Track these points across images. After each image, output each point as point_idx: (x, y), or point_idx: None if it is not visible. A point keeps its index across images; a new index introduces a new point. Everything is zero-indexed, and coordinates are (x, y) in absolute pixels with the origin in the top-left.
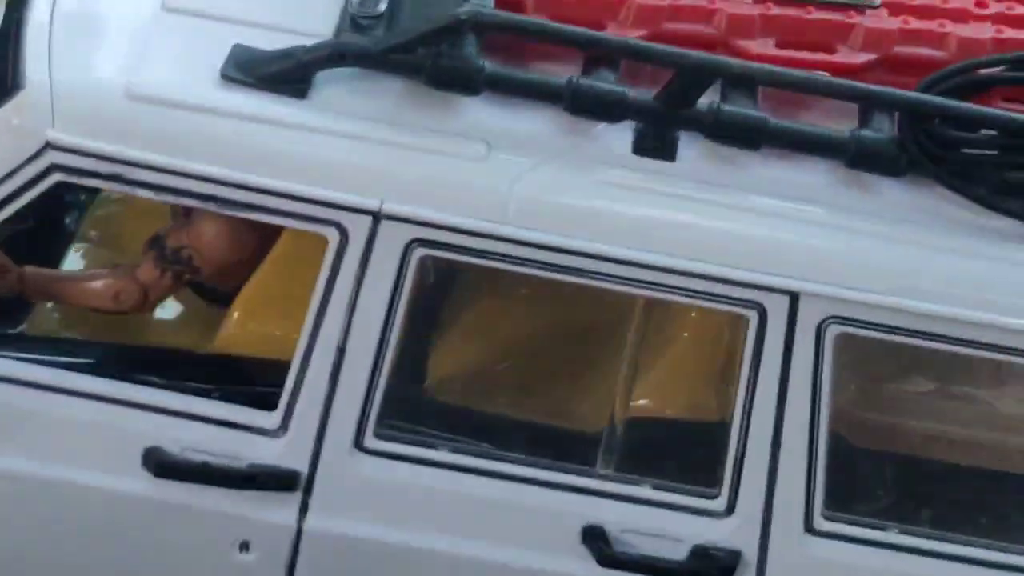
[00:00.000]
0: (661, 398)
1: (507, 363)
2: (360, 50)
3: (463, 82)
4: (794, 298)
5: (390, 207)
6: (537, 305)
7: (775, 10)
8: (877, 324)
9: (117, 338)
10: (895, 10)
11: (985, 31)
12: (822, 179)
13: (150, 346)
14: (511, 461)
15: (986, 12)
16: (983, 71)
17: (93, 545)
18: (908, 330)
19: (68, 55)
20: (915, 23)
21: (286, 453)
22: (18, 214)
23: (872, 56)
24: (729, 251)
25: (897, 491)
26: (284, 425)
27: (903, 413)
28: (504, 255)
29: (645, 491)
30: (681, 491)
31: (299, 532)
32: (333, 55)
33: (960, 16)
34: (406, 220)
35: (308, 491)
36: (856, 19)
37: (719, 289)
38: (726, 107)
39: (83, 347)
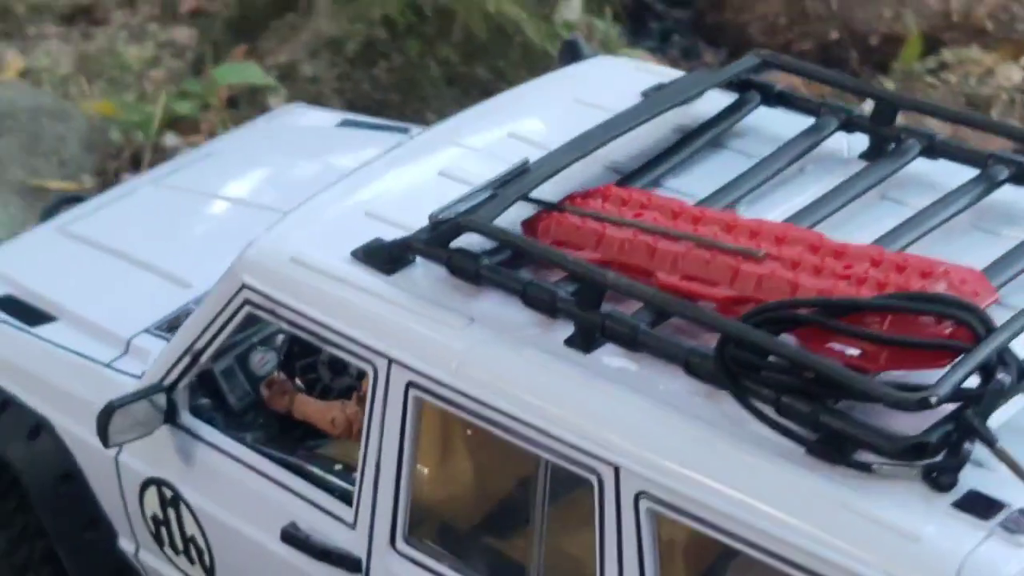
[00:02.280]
0: None
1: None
2: (415, 244)
3: (466, 274)
4: (616, 471)
5: (396, 355)
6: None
7: (693, 250)
8: (673, 506)
9: None
10: (785, 264)
11: (824, 283)
12: (681, 385)
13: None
14: None
15: (848, 272)
16: (798, 311)
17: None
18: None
19: (295, 232)
20: (779, 271)
21: (355, 542)
22: None
23: (736, 292)
24: (582, 423)
25: None
26: (355, 520)
27: None
28: (449, 401)
29: None
30: None
31: None
32: (402, 247)
33: (820, 272)
34: (403, 366)
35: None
36: (741, 265)
37: (571, 453)
38: (612, 313)
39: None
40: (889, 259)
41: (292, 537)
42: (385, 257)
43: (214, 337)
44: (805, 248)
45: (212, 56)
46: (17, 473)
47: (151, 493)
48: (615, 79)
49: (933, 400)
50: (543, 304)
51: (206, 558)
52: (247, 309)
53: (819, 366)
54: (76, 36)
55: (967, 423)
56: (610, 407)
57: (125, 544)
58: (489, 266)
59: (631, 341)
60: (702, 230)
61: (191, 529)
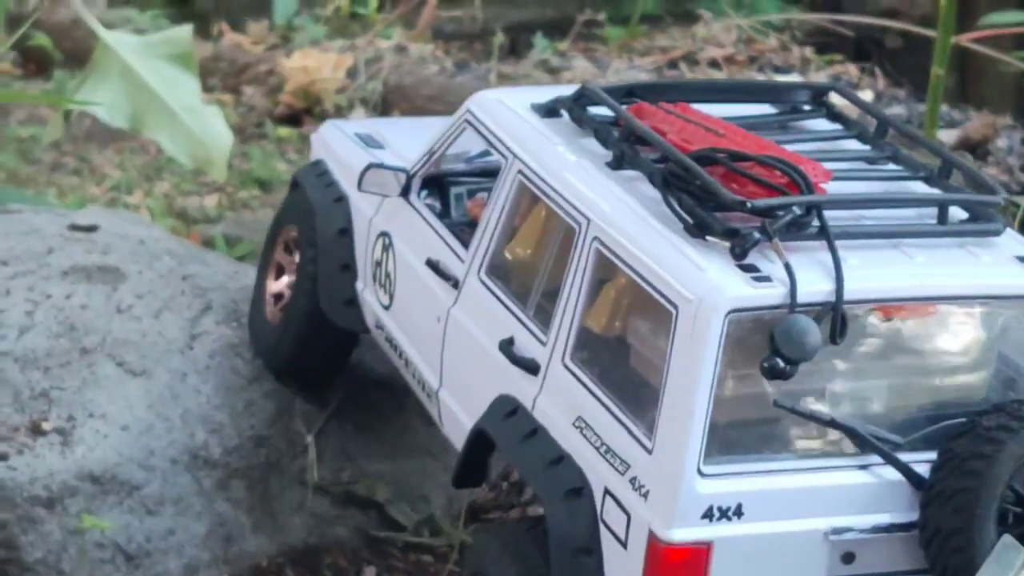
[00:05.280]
0: None
1: None
2: (559, 100)
3: (575, 119)
4: (589, 221)
5: (518, 152)
6: None
7: (690, 127)
8: (609, 248)
9: None
10: (733, 141)
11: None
12: (646, 189)
13: None
14: None
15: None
16: (716, 155)
17: None
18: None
19: (514, 92)
20: (724, 142)
21: (460, 269)
22: None
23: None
24: (584, 196)
25: None
26: (464, 259)
27: None
28: (532, 181)
29: None
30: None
31: None
32: (554, 102)
33: (745, 148)
34: (519, 159)
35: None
36: (709, 137)
37: (575, 214)
38: (632, 147)
39: None
40: (789, 154)
41: (431, 262)
42: (544, 109)
43: (444, 142)
44: (754, 142)
45: None
46: (316, 225)
47: (379, 242)
48: None
49: (749, 206)
50: (602, 138)
51: (392, 286)
52: (465, 125)
53: (701, 177)
54: None
55: (763, 226)
56: (601, 192)
57: (359, 284)
58: (587, 115)
59: (634, 164)
60: (708, 123)
61: (391, 267)
